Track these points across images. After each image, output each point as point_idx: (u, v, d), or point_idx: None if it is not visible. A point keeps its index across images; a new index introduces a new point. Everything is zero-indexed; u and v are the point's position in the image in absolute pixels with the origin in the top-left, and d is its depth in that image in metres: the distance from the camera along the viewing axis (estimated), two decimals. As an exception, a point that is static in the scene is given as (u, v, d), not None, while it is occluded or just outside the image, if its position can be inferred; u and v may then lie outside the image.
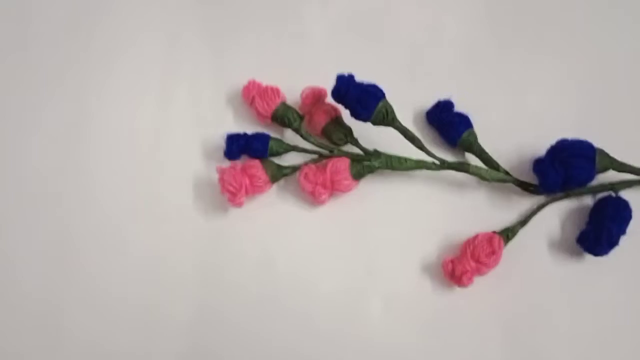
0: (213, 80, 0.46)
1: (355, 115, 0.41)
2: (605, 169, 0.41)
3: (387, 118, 0.41)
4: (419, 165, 0.42)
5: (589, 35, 0.46)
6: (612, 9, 0.47)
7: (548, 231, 0.42)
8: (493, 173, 0.42)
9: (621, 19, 0.46)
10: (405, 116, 0.44)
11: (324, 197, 0.42)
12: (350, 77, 0.41)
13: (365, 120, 0.41)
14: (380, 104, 0.40)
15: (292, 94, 0.44)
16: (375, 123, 0.41)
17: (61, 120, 0.46)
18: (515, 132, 0.44)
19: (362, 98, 0.40)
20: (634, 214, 0.41)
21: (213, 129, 0.45)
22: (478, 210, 0.43)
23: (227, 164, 0.43)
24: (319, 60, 0.46)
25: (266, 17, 0.47)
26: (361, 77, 0.42)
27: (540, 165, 0.40)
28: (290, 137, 0.44)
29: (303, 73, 0.45)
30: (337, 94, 0.41)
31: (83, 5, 0.48)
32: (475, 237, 0.41)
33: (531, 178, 0.42)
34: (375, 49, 0.46)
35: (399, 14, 0.47)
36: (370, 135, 0.43)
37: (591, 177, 0.40)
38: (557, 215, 0.42)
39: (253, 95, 0.44)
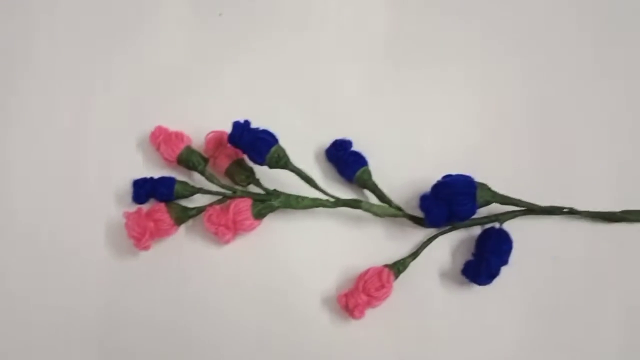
0: (125, 126, 0.48)
1: (250, 159, 0.43)
2: (487, 203, 0.43)
3: (280, 162, 0.43)
4: (315, 203, 0.44)
5: (480, 77, 0.49)
6: (506, 55, 0.49)
7: (438, 262, 0.45)
8: (385, 209, 0.44)
9: (511, 62, 0.49)
10: (309, 155, 0.47)
11: (227, 237, 0.44)
12: (246, 123, 0.43)
13: (259, 164, 0.43)
14: (273, 149, 0.43)
15: (200, 137, 0.47)
16: (270, 166, 0.43)
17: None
18: (410, 169, 0.46)
19: (255, 144, 0.42)
20: (519, 243, 0.43)
21: (125, 173, 0.47)
22: (375, 244, 0.45)
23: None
24: (226, 106, 0.48)
25: (175, 65, 0.50)
26: (266, 121, 0.44)
27: (425, 201, 0.43)
28: (198, 179, 0.47)
29: (210, 118, 0.47)
30: (232, 139, 0.43)
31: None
32: (367, 271, 0.43)
33: (422, 212, 0.44)
34: (278, 90, 0.49)
35: (299, 55, 0.49)
36: (274, 176, 0.45)
37: (472, 212, 0.42)
38: (447, 247, 0.45)
39: (159, 141, 0.46)
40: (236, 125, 0.43)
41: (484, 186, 0.43)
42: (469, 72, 0.49)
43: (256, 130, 0.43)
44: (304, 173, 0.44)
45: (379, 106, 0.48)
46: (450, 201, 0.42)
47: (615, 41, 0.49)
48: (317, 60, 0.49)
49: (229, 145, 0.45)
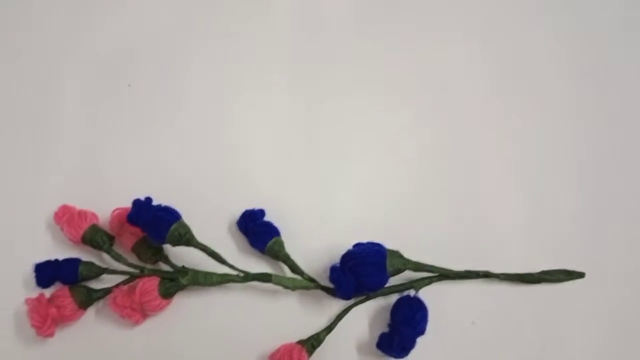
0: (34, 205, 0.46)
1: (152, 238, 0.42)
2: (399, 271, 0.42)
3: (182, 239, 0.42)
4: (224, 279, 0.43)
5: (392, 142, 0.48)
6: (417, 120, 0.49)
7: (355, 335, 0.43)
8: (296, 281, 0.43)
9: (422, 128, 0.48)
10: (221, 226, 0.46)
11: (135, 318, 0.42)
12: (147, 200, 0.42)
13: (161, 243, 0.42)
14: (173, 227, 0.41)
15: (106, 213, 0.45)
16: (172, 244, 0.42)
17: None
18: (323, 236, 0.45)
19: (154, 223, 0.41)
20: (437, 309, 0.42)
21: (33, 255, 0.45)
22: (289, 318, 0.44)
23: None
24: (135, 180, 0.47)
25: (82, 138, 0.48)
26: (176, 191, 0.44)
27: (333, 273, 0.41)
28: (107, 258, 0.45)
29: (118, 193, 0.45)
30: (131, 219, 0.42)
31: None
32: (278, 350, 0.41)
33: (334, 283, 0.43)
34: (188, 161, 0.47)
35: (209, 125, 0.48)
36: (184, 251, 0.43)
37: (382, 282, 0.41)
38: (364, 317, 0.43)
39: (63, 221, 0.45)
40: (135, 203, 0.42)
41: (395, 254, 0.42)
42: (380, 138, 0.48)
43: (156, 208, 0.42)
44: (209, 249, 0.42)
45: (292, 173, 0.47)
46: (358, 272, 0.40)
47: (528, 101, 0.49)
48: (227, 128, 0.48)
49: (134, 222, 0.45)
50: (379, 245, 0.42)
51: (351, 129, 0.48)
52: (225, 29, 0.51)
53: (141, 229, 0.42)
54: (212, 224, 0.45)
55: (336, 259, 0.43)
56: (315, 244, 0.45)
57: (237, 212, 0.45)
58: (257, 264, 0.45)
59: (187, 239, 0.42)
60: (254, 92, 0.49)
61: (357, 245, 0.42)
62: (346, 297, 0.42)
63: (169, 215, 0.41)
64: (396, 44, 0.51)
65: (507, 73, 0.50)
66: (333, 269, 0.41)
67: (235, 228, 0.46)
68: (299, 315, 0.44)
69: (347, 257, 0.41)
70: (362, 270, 0.40)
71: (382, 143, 0.48)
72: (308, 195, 0.46)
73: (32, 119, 0.48)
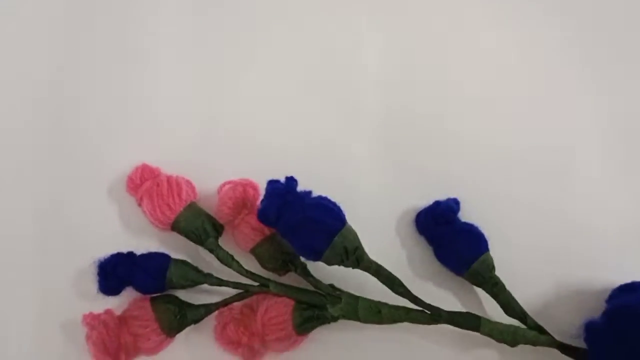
0: (95, 164, 0.30)
1: (297, 252, 0.25)
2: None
3: (349, 259, 0.25)
4: (400, 316, 0.27)
5: None
6: None
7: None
8: (517, 332, 0.26)
9: None
10: (388, 223, 0.29)
11: (253, 359, 0.27)
12: (289, 184, 0.25)
13: (312, 260, 0.25)
14: (337, 239, 0.24)
15: (211, 187, 0.29)
16: (329, 264, 0.25)
17: None
18: (558, 261, 0.29)
19: (305, 230, 0.24)
20: None
21: (87, 241, 0.29)
22: (492, 380, 0.28)
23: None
24: (253, 137, 0.30)
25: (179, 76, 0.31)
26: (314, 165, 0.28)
27: (593, 335, 0.24)
28: (205, 256, 0.29)
29: (227, 156, 0.29)
30: (264, 215, 0.25)
31: None
32: None
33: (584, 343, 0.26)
34: (342, 118, 0.30)
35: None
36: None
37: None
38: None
39: (142, 193, 0.28)
40: (272, 188, 0.25)
41: None
42: None
43: (307, 201, 0.25)
44: (385, 271, 0.26)
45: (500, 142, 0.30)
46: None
47: None
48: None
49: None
50: None
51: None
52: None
53: (280, 235, 0.25)
54: (374, 218, 0.28)
55: (580, 300, 0.27)
56: (543, 274, 0.29)
57: (413, 205, 0.29)
58: (439, 294, 0.28)
59: (356, 257, 0.25)
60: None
61: (629, 289, 0.25)
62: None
63: (331, 217, 0.24)
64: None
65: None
66: (591, 327, 0.25)
67: (407, 231, 0.29)
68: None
69: (625, 314, 0.24)
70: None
71: None
72: (527, 196, 0.29)
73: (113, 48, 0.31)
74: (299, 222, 0.24)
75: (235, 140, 0.30)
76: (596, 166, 0.30)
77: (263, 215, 0.24)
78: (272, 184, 0.25)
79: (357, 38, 0.31)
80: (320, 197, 0.25)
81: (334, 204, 0.25)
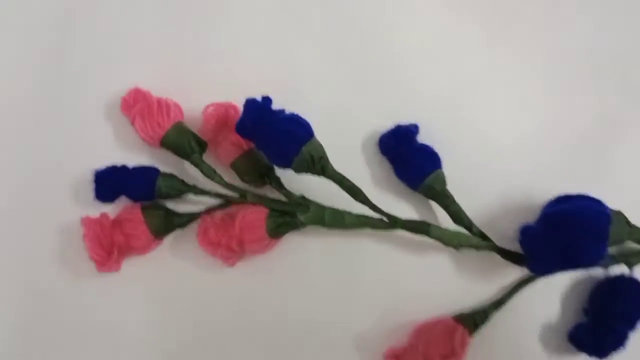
0: (88, 85, 0.33)
1: (269, 160, 0.29)
2: (620, 241, 0.29)
3: (315, 167, 0.28)
4: (361, 222, 0.30)
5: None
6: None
7: (533, 316, 0.31)
8: (462, 237, 0.30)
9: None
10: (352, 142, 0.33)
11: (231, 260, 0.31)
12: (265, 102, 0.28)
13: (282, 167, 0.29)
14: (305, 148, 0.28)
15: (196, 109, 0.32)
16: (297, 171, 0.29)
17: None
18: (501, 175, 0.32)
19: (277, 139, 0.28)
20: (653, 297, 0.30)
21: (85, 157, 0.32)
22: (440, 282, 0.32)
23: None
24: (238, 63, 0.33)
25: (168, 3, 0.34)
26: (290, 88, 0.30)
27: (528, 237, 0.28)
28: (191, 171, 0.32)
29: (215, 80, 0.33)
30: (241, 128, 0.28)
31: None
32: (432, 324, 0.30)
33: (518, 246, 0.30)
34: (312, 46, 0.33)
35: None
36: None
37: (599, 258, 0.28)
38: (547, 295, 0.31)
39: (135, 112, 0.32)
40: (249, 105, 0.28)
41: (620, 217, 0.29)
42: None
43: (280, 118, 0.28)
44: (348, 181, 0.30)
45: (458, 86, 0.33)
46: (571, 242, 0.28)
47: None
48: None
49: (238, 125, 0.31)
50: (598, 204, 0.29)
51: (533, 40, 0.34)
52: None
53: (255, 145, 0.29)
54: (335, 139, 0.31)
55: (515, 211, 0.31)
56: (487, 186, 0.32)
57: (378, 128, 0.32)
58: (398, 206, 0.32)
59: (321, 165, 0.29)
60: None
61: (564, 199, 0.29)
62: (542, 274, 0.29)
63: (301, 130, 0.28)
64: None
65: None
66: (527, 231, 0.29)
67: (371, 148, 0.33)
68: (452, 281, 0.32)
69: (554, 217, 0.28)
70: (576, 240, 0.28)
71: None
72: (479, 122, 0.33)
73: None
74: (272, 133, 0.27)
75: (218, 67, 0.33)
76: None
77: (241, 127, 0.28)
78: (250, 101, 0.28)
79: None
80: (292, 114, 0.28)
81: (304, 120, 0.28)
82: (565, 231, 0.28)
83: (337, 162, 0.30)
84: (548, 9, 0.34)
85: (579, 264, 0.28)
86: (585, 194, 0.29)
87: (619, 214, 0.29)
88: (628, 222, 0.29)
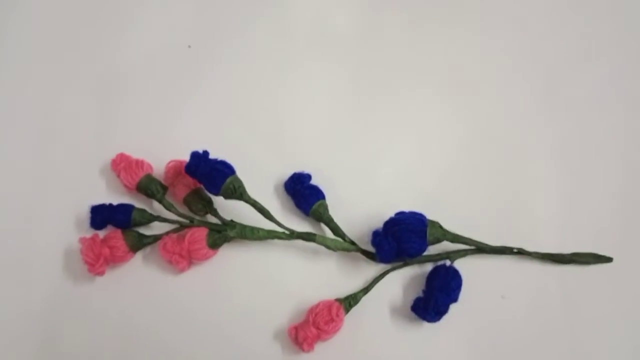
0: (90, 153, 0.49)
1: (207, 189, 0.44)
2: (438, 241, 0.44)
3: (236, 193, 0.44)
4: (270, 235, 0.45)
5: (437, 118, 0.50)
6: (461, 97, 0.50)
7: (390, 297, 0.45)
8: (338, 243, 0.45)
9: (467, 104, 0.50)
10: (269, 186, 0.48)
11: (182, 265, 0.45)
12: (204, 154, 0.44)
13: (215, 194, 0.44)
14: (229, 180, 0.43)
15: (163, 166, 0.47)
16: (225, 197, 0.44)
17: None
18: (366, 204, 0.47)
19: (211, 175, 0.43)
20: (469, 281, 0.44)
21: (86, 198, 0.47)
22: (328, 277, 0.46)
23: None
24: (190, 135, 0.49)
25: (141, 93, 0.51)
26: (228, 151, 0.45)
27: (376, 237, 0.43)
28: (157, 207, 0.47)
29: (174, 146, 0.48)
30: (189, 169, 0.44)
31: None
32: (318, 304, 0.43)
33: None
34: (242, 123, 0.50)
35: (262, 89, 0.51)
36: (231, 206, 0.46)
37: (422, 249, 0.43)
38: (399, 282, 0.45)
39: (120, 168, 0.47)
40: (194, 155, 0.44)
41: (435, 224, 0.44)
42: (425, 110, 0.50)
43: (213, 161, 0.44)
44: (259, 204, 0.45)
45: (338, 142, 0.49)
46: (400, 238, 0.43)
47: (563, 81, 0.51)
48: (280, 94, 0.51)
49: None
50: (420, 215, 0.44)
51: (398, 105, 0.50)
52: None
53: (197, 180, 0.44)
54: (260, 183, 0.47)
55: (376, 225, 0.45)
56: (356, 211, 0.47)
57: (285, 175, 0.48)
58: (300, 225, 0.47)
59: (240, 192, 0.44)
60: (313, 63, 0.51)
61: (399, 214, 0.44)
62: (386, 261, 0.44)
63: (226, 168, 0.44)
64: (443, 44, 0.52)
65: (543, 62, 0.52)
66: (376, 234, 0.44)
67: (281, 189, 0.48)
68: (337, 276, 0.46)
69: (391, 223, 0.43)
70: (403, 237, 0.43)
71: (427, 122, 0.50)
72: (353, 167, 0.48)
73: (97, 74, 0.51)
74: (208, 171, 0.43)
75: (176, 137, 0.49)
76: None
77: (188, 168, 0.43)
78: (194, 152, 0.44)
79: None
80: (222, 160, 0.44)
81: (229, 163, 0.44)
82: (397, 232, 0.43)
83: (257, 197, 0.45)
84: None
85: (409, 254, 0.43)
86: (414, 211, 0.45)
87: (435, 222, 0.44)
88: (441, 227, 0.44)
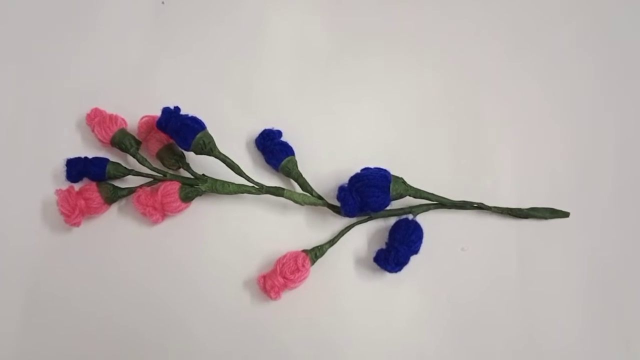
0: (65, 106, 0.50)
1: (177, 144, 0.45)
2: (401, 196, 0.45)
3: (205, 148, 0.45)
4: (240, 189, 0.46)
5: (401, 75, 0.51)
6: (427, 54, 0.51)
7: (355, 250, 0.47)
8: (305, 197, 0.47)
9: (431, 61, 0.51)
10: (240, 142, 0.49)
11: (155, 217, 0.46)
12: (175, 109, 0.45)
13: (185, 149, 0.45)
14: (199, 135, 0.45)
15: (134, 120, 0.48)
16: (195, 152, 0.45)
17: None
18: (334, 160, 0.49)
19: (182, 130, 0.44)
20: (431, 234, 0.46)
21: (62, 152, 0.48)
22: (297, 230, 0.48)
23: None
24: (163, 90, 0.50)
25: (115, 50, 0.51)
26: (201, 107, 0.46)
27: (341, 192, 0.45)
28: (131, 161, 0.49)
29: (148, 102, 0.49)
30: (160, 125, 0.45)
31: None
32: (285, 255, 0.45)
33: (340, 202, 0.47)
34: (216, 81, 0.51)
35: (234, 50, 0.51)
36: (203, 161, 0.47)
37: (385, 204, 0.45)
38: (364, 235, 0.47)
39: (94, 123, 0.48)
40: (165, 111, 0.45)
41: (398, 180, 0.45)
42: (391, 70, 0.51)
43: (184, 117, 0.45)
44: (229, 160, 0.46)
45: (307, 100, 0.51)
46: (364, 193, 0.44)
47: (526, 43, 0.52)
48: (250, 53, 0.51)
49: (160, 129, 0.48)
50: (385, 171, 0.45)
51: (364, 62, 0.51)
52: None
53: (168, 135, 0.45)
54: (230, 139, 0.48)
55: (343, 181, 0.47)
56: (324, 167, 0.49)
57: (255, 131, 0.49)
58: (270, 180, 0.48)
59: (210, 148, 0.45)
60: (283, 20, 0.52)
61: (364, 169, 0.46)
62: (350, 215, 0.45)
63: (196, 124, 0.45)
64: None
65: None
66: (341, 189, 0.45)
67: (252, 145, 0.49)
68: (304, 229, 0.48)
69: (355, 178, 0.45)
70: (367, 192, 0.44)
71: (393, 81, 0.51)
72: (322, 124, 0.50)
73: (73, 27, 0.51)
74: (179, 126, 0.44)
75: (150, 92, 0.50)
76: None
77: (159, 124, 0.44)
78: (165, 108, 0.45)
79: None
80: (192, 116, 0.45)
81: (199, 119, 0.45)
82: (361, 187, 0.44)
83: (228, 153, 0.47)
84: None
85: (372, 208, 0.45)
86: (379, 167, 0.46)
87: (399, 178, 0.46)
88: (405, 183, 0.46)
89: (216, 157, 0.46)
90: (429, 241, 0.46)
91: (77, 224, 0.46)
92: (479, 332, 0.46)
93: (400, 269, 0.45)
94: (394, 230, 0.45)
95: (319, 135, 0.49)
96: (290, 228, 0.48)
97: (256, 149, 0.49)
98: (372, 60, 0.51)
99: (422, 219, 0.46)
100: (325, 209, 0.47)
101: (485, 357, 0.46)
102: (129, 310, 0.46)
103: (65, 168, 0.47)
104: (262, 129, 0.49)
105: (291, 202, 0.47)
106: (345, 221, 0.47)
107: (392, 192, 0.45)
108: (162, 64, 0.51)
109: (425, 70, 0.51)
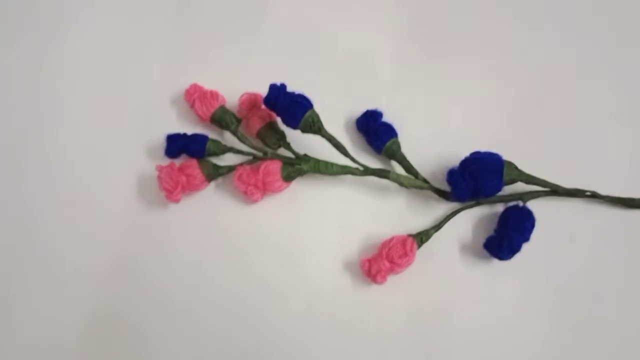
0: (161, 82, 0.49)
1: (285, 122, 0.44)
2: (513, 181, 0.44)
3: (314, 127, 0.44)
4: (344, 170, 0.45)
5: (515, 56, 0.49)
6: (534, 31, 0.50)
7: (460, 235, 0.46)
8: (411, 180, 0.45)
9: (540, 40, 0.50)
10: (338, 123, 0.48)
11: (256, 196, 0.45)
12: (282, 86, 0.44)
13: (293, 127, 0.44)
14: (308, 113, 0.43)
15: (234, 98, 0.47)
16: (303, 131, 0.44)
17: (10, 118, 0.49)
18: (438, 143, 0.47)
19: (291, 107, 0.43)
20: (539, 222, 0.44)
21: (158, 128, 0.48)
22: (398, 213, 0.46)
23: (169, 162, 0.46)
24: (261, 68, 0.49)
25: (215, 28, 0.50)
26: (299, 87, 0.45)
27: (452, 176, 0.44)
28: (229, 138, 0.48)
29: (245, 79, 0.48)
30: (268, 102, 0.44)
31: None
32: (391, 239, 0.44)
33: (448, 186, 0.45)
34: (314, 61, 0.50)
35: (334, 30, 0.50)
36: (303, 140, 0.46)
37: (498, 189, 0.44)
38: (469, 221, 0.46)
39: (194, 99, 0.47)
40: (273, 87, 0.44)
41: (511, 165, 0.44)
42: (504, 50, 0.50)
43: (292, 94, 0.44)
44: (335, 139, 0.45)
45: (412, 80, 0.49)
46: (477, 177, 0.43)
47: (630, 27, 0.50)
48: (352, 32, 0.50)
49: (262, 107, 0.47)
50: (497, 155, 0.44)
51: (474, 40, 0.50)
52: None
53: (276, 112, 0.44)
54: (332, 120, 0.47)
55: (446, 165, 0.46)
56: (427, 150, 0.47)
57: (355, 113, 0.48)
58: (371, 162, 0.47)
59: (318, 127, 0.44)
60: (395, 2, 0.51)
61: (475, 153, 0.44)
62: (461, 200, 0.44)
63: (305, 102, 0.44)
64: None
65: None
66: (452, 172, 0.44)
67: (351, 127, 0.48)
68: (405, 213, 0.46)
69: (468, 162, 0.44)
70: (481, 176, 0.43)
71: (500, 64, 0.49)
72: (427, 105, 0.49)
73: (172, 3, 0.50)
74: (287, 104, 0.43)
75: (251, 70, 0.49)
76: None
77: (267, 101, 0.43)
78: (273, 85, 0.44)
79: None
80: (300, 93, 0.44)
81: (307, 97, 0.44)
82: (474, 171, 0.43)
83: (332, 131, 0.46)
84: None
85: (484, 193, 0.43)
86: (490, 151, 0.45)
87: (511, 162, 0.44)
88: (517, 168, 0.44)
89: (323, 136, 0.45)
90: (536, 229, 0.44)
91: (177, 201, 0.45)
92: (585, 324, 0.45)
93: (512, 256, 0.43)
94: (505, 217, 0.44)
95: (422, 117, 0.48)
96: (391, 212, 0.46)
97: (356, 130, 0.48)
98: (479, 42, 0.50)
99: (532, 206, 0.45)
100: (429, 192, 0.46)
101: (590, 351, 0.45)
102: (223, 285, 0.45)
103: (165, 143, 0.46)
104: (364, 110, 0.48)
105: (391, 186, 0.46)
106: (449, 206, 0.46)
107: (505, 177, 0.43)
108: (260, 41, 0.50)
109: (536, 50, 0.49)
